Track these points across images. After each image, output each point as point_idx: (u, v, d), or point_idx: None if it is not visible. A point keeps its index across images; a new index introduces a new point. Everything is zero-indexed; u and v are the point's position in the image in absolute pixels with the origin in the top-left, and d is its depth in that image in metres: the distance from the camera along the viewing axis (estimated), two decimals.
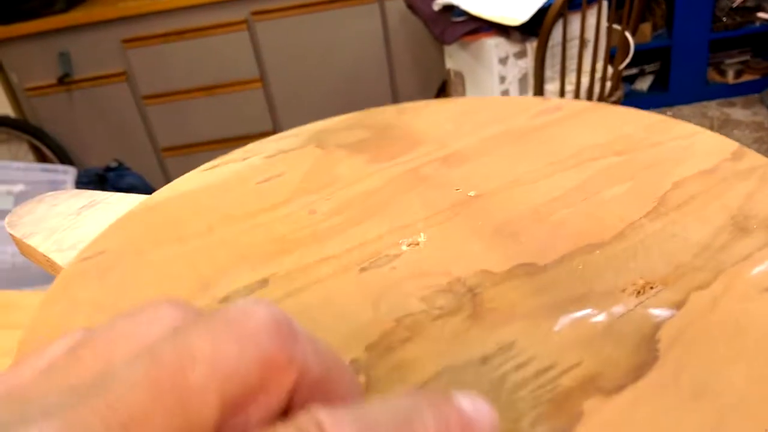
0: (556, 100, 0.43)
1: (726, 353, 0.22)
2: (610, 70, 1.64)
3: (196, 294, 0.29)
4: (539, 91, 1.60)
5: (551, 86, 1.66)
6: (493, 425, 0.14)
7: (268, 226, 0.34)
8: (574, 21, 1.57)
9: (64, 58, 2.06)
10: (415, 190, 0.35)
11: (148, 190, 1.69)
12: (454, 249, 0.30)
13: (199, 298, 0.29)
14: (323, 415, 0.12)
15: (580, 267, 0.27)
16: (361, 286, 0.28)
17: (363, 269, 0.30)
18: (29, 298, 0.64)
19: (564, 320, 0.25)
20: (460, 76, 1.75)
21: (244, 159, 0.42)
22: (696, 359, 0.22)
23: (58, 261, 0.36)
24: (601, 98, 1.66)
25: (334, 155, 0.41)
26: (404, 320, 0.26)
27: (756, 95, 2.30)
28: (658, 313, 0.24)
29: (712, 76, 2.34)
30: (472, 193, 0.34)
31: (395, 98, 2.22)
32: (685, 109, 2.36)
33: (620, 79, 1.72)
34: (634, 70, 2.38)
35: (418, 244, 0.31)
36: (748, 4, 2.21)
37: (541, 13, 1.52)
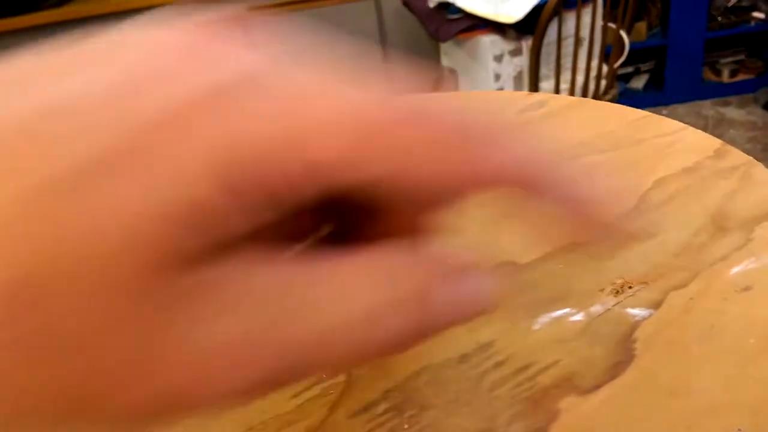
0: (542, 95, 0.43)
1: (701, 353, 0.22)
2: (605, 68, 1.64)
3: None
4: (534, 88, 1.60)
5: (546, 84, 1.66)
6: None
7: None
8: (570, 19, 1.57)
9: None
10: None
11: None
12: None
13: None
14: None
15: (561, 266, 0.28)
16: None
17: None
18: None
19: (543, 319, 0.25)
20: (454, 73, 1.75)
21: None
22: (671, 359, 0.22)
23: None
24: (596, 96, 1.67)
25: None
26: None
27: (751, 94, 2.30)
28: (636, 312, 0.25)
29: (708, 75, 2.35)
30: None
31: None
32: (680, 108, 2.36)
33: (615, 78, 1.72)
34: (629, 69, 2.38)
35: None
36: (743, 3, 2.21)
37: (537, 10, 1.52)
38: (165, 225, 0.10)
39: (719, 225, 0.29)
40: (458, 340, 0.25)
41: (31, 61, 0.12)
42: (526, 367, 0.23)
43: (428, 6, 1.68)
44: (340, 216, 0.13)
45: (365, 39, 2.13)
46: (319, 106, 0.11)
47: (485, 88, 1.70)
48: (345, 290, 0.11)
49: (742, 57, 2.33)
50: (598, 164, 0.35)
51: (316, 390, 0.23)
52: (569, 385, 0.22)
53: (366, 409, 0.22)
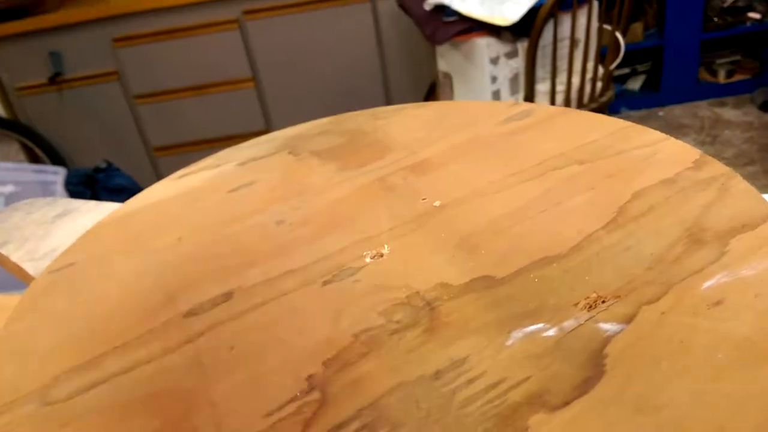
0: (526, 105, 0.44)
1: (671, 369, 0.23)
2: (600, 70, 1.65)
3: (160, 308, 0.30)
4: (530, 91, 1.60)
5: (542, 86, 1.66)
6: None
7: (237, 237, 0.34)
8: (565, 21, 1.58)
9: (55, 57, 2.05)
10: (382, 200, 0.36)
11: (138, 190, 1.69)
12: (416, 261, 0.30)
13: (164, 312, 0.29)
14: None
15: (536, 280, 0.28)
16: (323, 300, 0.29)
17: (326, 282, 0.30)
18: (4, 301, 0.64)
19: (516, 335, 0.25)
20: (448, 77, 1.75)
21: (217, 166, 0.42)
22: (641, 374, 0.23)
23: (30, 270, 0.36)
24: (592, 98, 1.67)
25: (305, 163, 0.41)
26: (362, 335, 0.26)
27: (747, 95, 2.30)
28: (608, 327, 0.25)
29: (704, 75, 2.35)
30: (437, 204, 0.35)
31: (388, 98, 2.22)
32: (677, 108, 2.36)
33: (611, 79, 1.73)
34: (626, 70, 2.38)
35: (381, 255, 0.31)
36: (739, 4, 2.21)
37: (532, 13, 1.52)
38: None
39: (695, 238, 0.29)
40: (433, 356, 0.25)
41: None
42: (498, 383, 0.23)
43: (424, 9, 1.68)
44: None
45: (361, 42, 2.14)
46: None
47: (481, 90, 1.70)
48: None
49: (738, 57, 2.33)
50: (578, 176, 0.35)
51: (290, 408, 0.23)
52: (539, 401, 0.22)
53: (339, 427, 0.22)
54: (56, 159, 2.16)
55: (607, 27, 1.65)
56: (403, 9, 1.82)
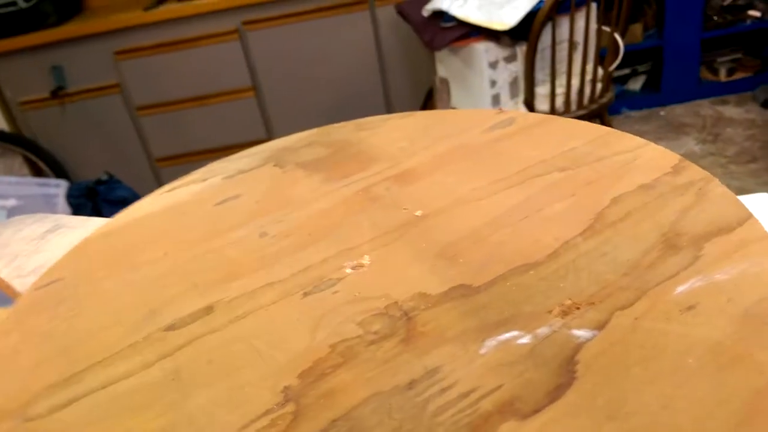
0: (511, 113, 0.44)
1: (642, 375, 0.23)
2: (600, 71, 1.65)
3: (142, 323, 0.30)
4: (530, 94, 1.60)
5: (542, 89, 1.67)
6: None
7: (220, 250, 0.35)
8: (563, 24, 1.58)
9: (58, 71, 2.07)
10: (365, 211, 0.36)
11: None
12: (395, 272, 0.31)
13: (145, 327, 0.30)
14: None
15: (513, 288, 0.28)
16: (302, 312, 0.29)
17: (306, 294, 0.30)
18: None
19: (490, 343, 0.25)
20: (445, 83, 1.76)
21: (204, 179, 0.42)
22: (612, 381, 0.23)
23: (17, 287, 0.37)
24: (592, 100, 1.67)
25: (291, 175, 0.41)
26: (339, 346, 0.27)
27: (748, 93, 2.30)
28: (580, 334, 0.25)
29: (705, 74, 2.34)
30: (418, 213, 0.35)
31: (388, 104, 2.22)
32: (678, 108, 2.36)
33: (611, 81, 1.73)
34: (626, 71, 2.38)
35: (362, 266, 0.32)
36: (739, 2, 2.21)
37: (530, 17, 1.52)
38: None
39: (671, 243, 0.29)
40: (407, 366, 0.25)
41: None
42: (470, 392, 0.23)
43: (422, 15, 1.69)
44: None
45: (361, 49, 2.14)
46: None
47: (481, 95, 1.70)
48: None
49: (739, 56, 2.33)
50: (559, 183, 0.35)
51: (264, 421, 0.24)
52: (510, 409, 0.22)
53: None
54: (59, 172, 2.18)
55: (606, 28, 1.65)
56: (402, 16, 1.83)
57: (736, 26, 2.20)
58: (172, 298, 0.31)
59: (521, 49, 1.66)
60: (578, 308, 0.26)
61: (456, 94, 1.73)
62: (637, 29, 2.24)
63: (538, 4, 1.55)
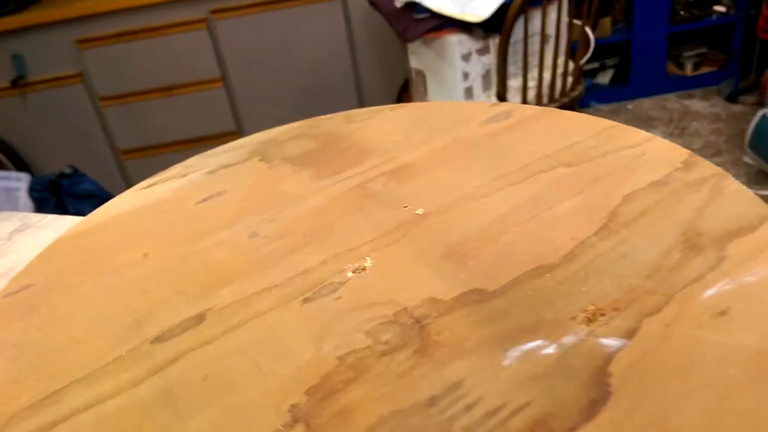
0: (506, 105, 0.42)
1: (681, 388, 0.21)
2: (571, 65, 1.65)
3: (126, 334, 0.27)
4: (502, 87, 1.59)
5: (514, 82, 1.66)
6: None
7: (207, 252, 0.32)
8: (536, 17, 1.57)
9: (18, 60, 1.99)
10: (362, 209, 0.34)
11: (104, 195, 1.64)
12: (400, 275, 0.29)
13: (130, 338, 0.27)
14: None
15: (530, 293, 0.26)
16: (303, 320, 0.27)
17: (306, 300, 0.28)
18: None
19: (513, 354, 0.24)
20: (421, 75, 1.74)
21: (184, 175, 0.40)
22: (650, 395, 0.21)
23: None
24: (563, 93, 1.67)
25: (278, 170, 0.39)
26: (348, 358, 0.24)
27: (714, 87, 2.34)
28: (609, 343, 0.23)
29: (671, 69, 2.37)
30: (420, 212, 0.33)
31: (360, 96, 2.19)
32: (646, 101, 2.39)
33: (581, 74, 1.73)
34: (595, 65, 2.39)
35: (364, 269, 0.29)
36: None
37: (503, 9, 1.51)
38: None
39: (691, 243, 0.28)
40: (426, 380, 0.23)
41: None
42: (498, 409, 0.21)
43: (395, 6, 1.66)
44: None
45: (332, 40, 2.11)
46: None
47: (454, 87, 1.69)
48: None
49: (704, 50, 2.36)
50: (565, 179, 0.33)
51: None
52: (543, 429, 0.21)
53: None
54: (21, 165, 2.09)
55: (577, 22, 1.65)
56: (374, 6, 1.80)
57: (702, 21, 2.23)
58: (157, 305, 0.29)
59: (494, 42, 1.66)
60: (603, 314, 0.25)
61: (430, 87, 1.72)
62: (606, 23, 2.26)
63: None
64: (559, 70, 1.62)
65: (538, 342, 0.24)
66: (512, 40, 1.58)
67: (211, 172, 0.40)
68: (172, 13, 2.01)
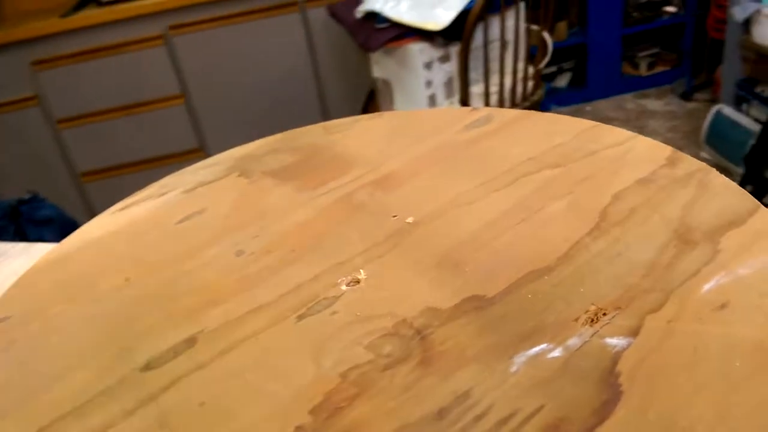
0: (486, 110, 0.42)
1: (689, 383, 0.21)
2: (531, 69, 1.67)
3: (114, 363, 0.26)
4: (465, 94, 1.61)
5: (476, 88, 1.68)
6: None
7: (192, 274, 0.31)
8: (494, 23, 1.59)
9: None
10: (351, 220, 0.33)
11: (66, 221, 1.60)
12: (396, 285, 0.28)
13: (118, 367, 0.26)
14: None
15: (529, 296, 0.26)
16: (299, 338, 0.26)
17: (300, 317, 0.27)
18: None
19: (519, 359, 0.23)
20: (387, 84, 1.74)
21: (161, 195, 0.38)
22: (659, 392, 0.21)
23: None
24: (524, 97, 1.69)
25: (259, 185, 0.38)
26: (350, 374, 0.24)
27: (668, 86, 2.40)
28: (615, 342, 0.23)
29: (627, 69, 2.43)
30: (410, 220, 0.32)
31: (324, 108, 2.19)
32: (603, 102, 2.44)
33: (541, 78, 1.76)
34: (552, 68, 2.44)
35: (358, 281, 0.29)
36: None
37: (462, 16, 1.53)
38: None
39: (684, 238, 0.28)
40: (432, 392, 0.23)
41: None
42: (510, 416, 0.21)
43: (355, 17, 1.67)
44: None
45: (293, 53, 2.10)
46: None
47: (417, 95, 1.70)
48: None
49: (657, 50, 2.43)
50: (552, 181, 0.33)
51: None
52: None
53: None
54: None
55: (534, 27, 1.68)
56: (334, 17, 1.80)
57: (654, 22, 2.30)
58: (144, 331, 0.28)
59: (455, 49, 1.67)
60: (605, 314, 0.24)
61: (396, 96, 1.72)
62: (562, 27, 2.31)
63: (469, 3, 1.56)
64: (520, 75, 1.65)
65: (543, 346, 0.24)
66: (473, 47, 1.60)
67: (188, 191, 0.38)
68: (130, 30, 1.97)
